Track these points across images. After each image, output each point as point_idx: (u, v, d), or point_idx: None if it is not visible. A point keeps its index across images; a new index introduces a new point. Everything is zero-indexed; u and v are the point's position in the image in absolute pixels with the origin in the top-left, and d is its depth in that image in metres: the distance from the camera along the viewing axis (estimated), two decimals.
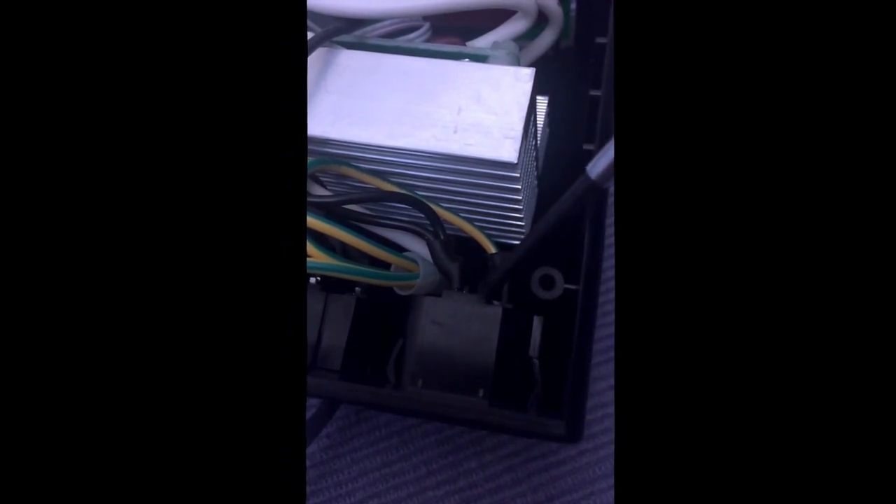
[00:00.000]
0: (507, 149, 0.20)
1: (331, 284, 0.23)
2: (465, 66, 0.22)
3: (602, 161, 0.17)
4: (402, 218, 0.24)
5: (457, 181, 0.22)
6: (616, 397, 0.13)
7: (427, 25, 0.27)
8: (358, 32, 0.25)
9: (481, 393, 0.20)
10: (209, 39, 0.13)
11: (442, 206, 0.23)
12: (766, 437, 0.12)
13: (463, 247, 0.23)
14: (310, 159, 0.22)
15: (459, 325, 0.20)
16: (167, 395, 0.13)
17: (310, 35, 0.22)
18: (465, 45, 0.26)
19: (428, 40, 0.27)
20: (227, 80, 0.13)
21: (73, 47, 0.13)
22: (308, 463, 0.29)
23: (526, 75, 0.21)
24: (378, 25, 0.26)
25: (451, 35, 0.28)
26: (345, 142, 0.21)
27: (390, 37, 0.26)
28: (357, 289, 0.23)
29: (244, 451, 0.13)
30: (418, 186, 0.23)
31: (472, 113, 0.21)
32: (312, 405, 0.27)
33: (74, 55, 0.13)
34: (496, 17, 0.27)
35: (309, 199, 0.21)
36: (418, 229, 0.23)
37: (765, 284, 0.12)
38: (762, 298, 0.12)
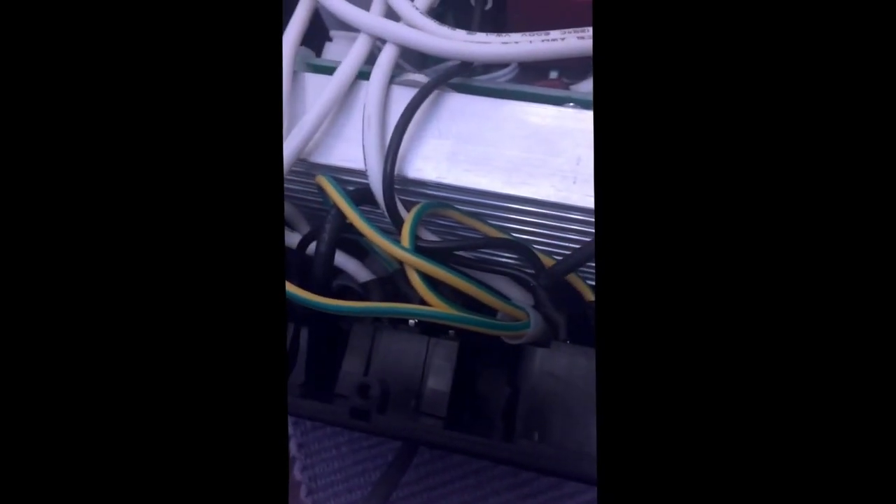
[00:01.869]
0: None
1: (429, 328, 0.23)
2: (581, 114, 0.22)
3: None
4: (502, 261, 0.24)
5: (566, 229, 0.22)
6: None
7: (515, 64, 0.27)
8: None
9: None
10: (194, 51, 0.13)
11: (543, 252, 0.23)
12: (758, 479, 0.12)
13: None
14: (422, 202, 0.21)
15: (576, 380, 0.20)
16: (153, 419, 0.12)
17: (426, 78, 0.22)
18: (568, 88, 0.26)
19: (514, 79, 0.27)
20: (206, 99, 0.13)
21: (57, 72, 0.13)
22: None
23: None
24: None
25: (536, 74, 0.28)
26: (461, 187, 0.21)
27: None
28: (451, 332, 0.23)
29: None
30: (522, 231, 0.23)
31: (592, 164, 0.21)
32: (392, 449, 0.26)
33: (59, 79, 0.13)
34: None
35: (422, 244, 0.21)
36: (523, 276, 0.23)
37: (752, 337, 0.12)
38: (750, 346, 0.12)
